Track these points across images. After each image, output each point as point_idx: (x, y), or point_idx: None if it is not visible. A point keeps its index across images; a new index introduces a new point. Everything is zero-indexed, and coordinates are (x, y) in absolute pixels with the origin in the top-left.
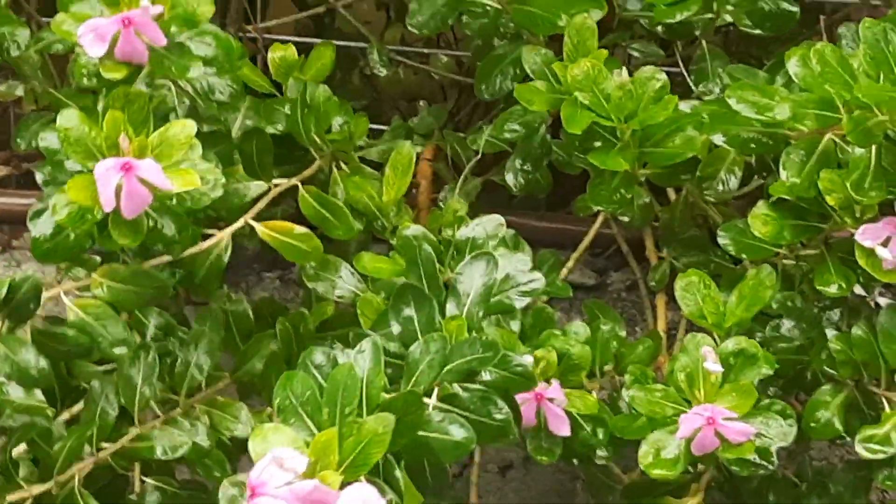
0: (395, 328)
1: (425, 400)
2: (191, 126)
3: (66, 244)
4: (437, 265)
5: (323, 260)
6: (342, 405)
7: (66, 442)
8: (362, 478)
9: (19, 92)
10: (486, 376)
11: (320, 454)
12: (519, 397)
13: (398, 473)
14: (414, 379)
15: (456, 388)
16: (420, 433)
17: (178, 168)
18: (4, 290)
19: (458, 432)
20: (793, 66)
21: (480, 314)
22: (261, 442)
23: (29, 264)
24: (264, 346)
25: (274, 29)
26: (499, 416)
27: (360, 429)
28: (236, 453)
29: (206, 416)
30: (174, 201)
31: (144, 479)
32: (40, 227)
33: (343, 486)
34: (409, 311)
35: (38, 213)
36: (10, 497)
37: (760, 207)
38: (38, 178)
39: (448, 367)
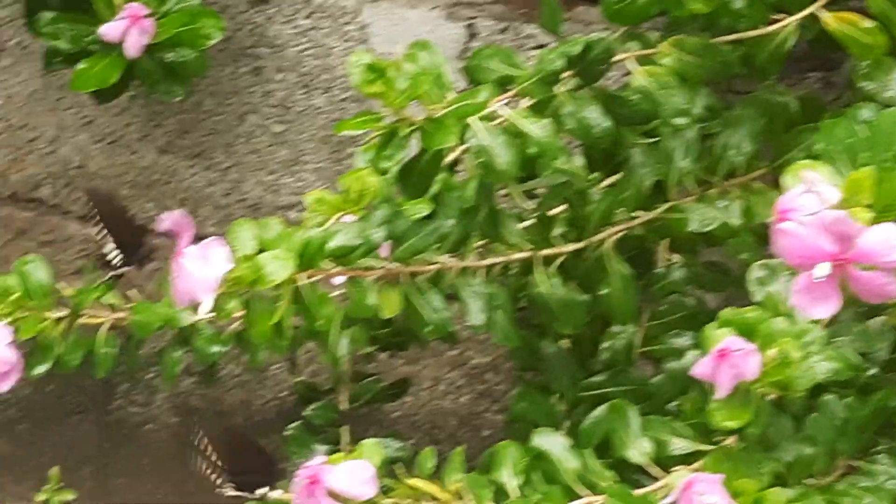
0: None
1: None
2: None
3: (634, 7)
4: None
5: (878, 60)
6: (882, 149)
7: (601, 204)
8: None
9: None
10: None
11: (852, 192)
12: None
13: None
14: None
15: None
16: None
17: None
18: (580, 49)
19: None
20: None
21: None
22: (793, 177)
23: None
24: (806, 139)
25: None
26: None
27: (894, 172)
28: (766, 241)
29: (741, 200)
30: None
31: (670, 255)
32: None
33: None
34: None
35: None
36: (544, 252)
37: None
38: None
39: None
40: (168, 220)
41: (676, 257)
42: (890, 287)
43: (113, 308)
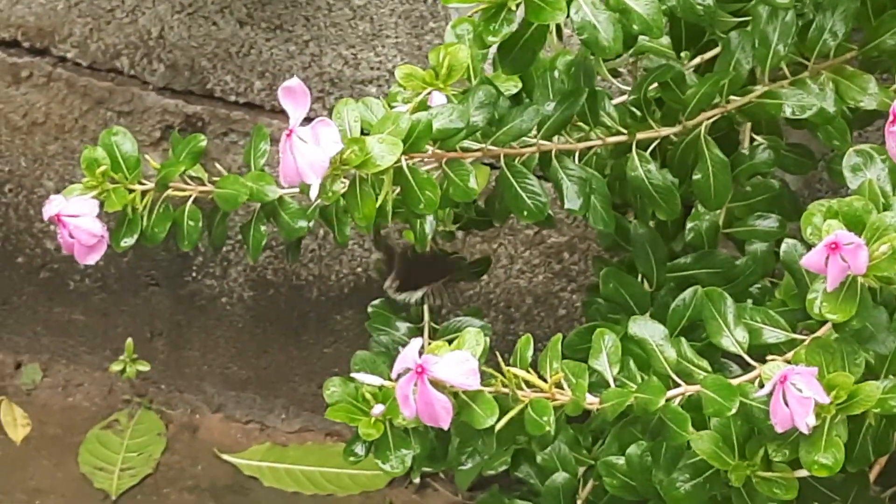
0: None
1: None
2: None
3: None
4: None
5: None
6: None
7: (699, 88)
8: None
9: None
10: None
11: None
12: None
13: None
14: None
15: None
16: None
17: None
18: None
19: None
20: None
21: None
22: None
23: None
24: None
25: None
26: None
27: None
28: (857, 125)
29: (833, 84)
30: None
31: (755, 136)
32: None
33: None
34: None
35: None
36: (641, 135)
37: None
38: None
39: None
40: (285, 93)
41: (760, 139)
42: None
43: (198, 181)
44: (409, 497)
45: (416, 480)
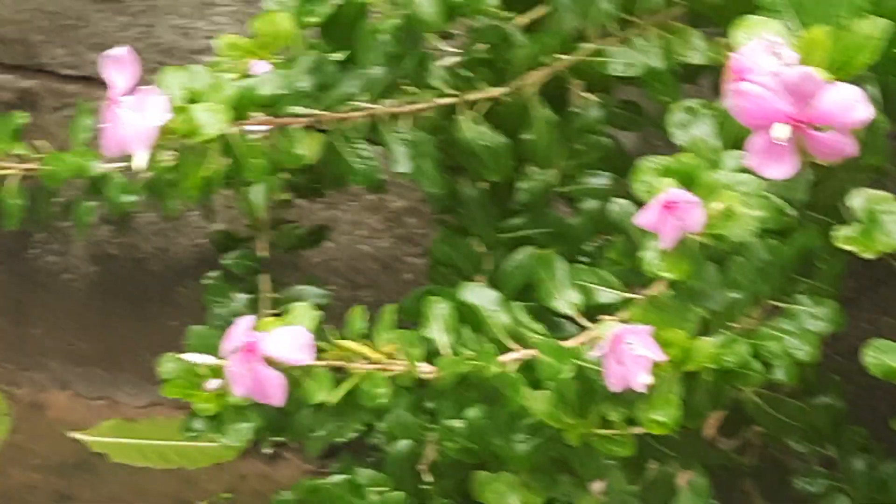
0: None
1: None
2: None
3: None
4: None
5: None
6: (833, 5)
7: (525, 49)
8: None
9: None
10: None
11: (808, 51)
12: None
13: None
14: None
15: None
16: None
17: None
18: None
19: None
20: None
21: None
22: (744, 31)
23: None
24: None
25: None
26: None
27: (849, 29)
28: (686, 79)
29: (660, 40)
30: None
31: (586, 94)
32: None
33: None
34: None
35: None
36: (468, 96)
37: None
38: None
39: None
40: (109, 62)
41: (591, 96)
42: (847, 147)
43: (21, 158)
44: (261, 468)
45: (268, 451)
